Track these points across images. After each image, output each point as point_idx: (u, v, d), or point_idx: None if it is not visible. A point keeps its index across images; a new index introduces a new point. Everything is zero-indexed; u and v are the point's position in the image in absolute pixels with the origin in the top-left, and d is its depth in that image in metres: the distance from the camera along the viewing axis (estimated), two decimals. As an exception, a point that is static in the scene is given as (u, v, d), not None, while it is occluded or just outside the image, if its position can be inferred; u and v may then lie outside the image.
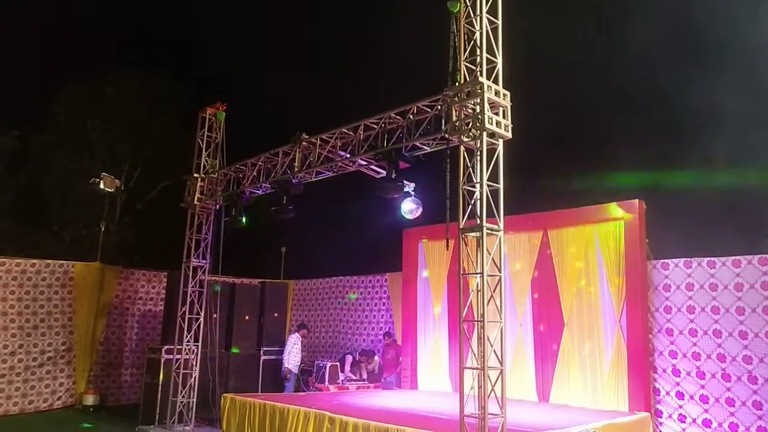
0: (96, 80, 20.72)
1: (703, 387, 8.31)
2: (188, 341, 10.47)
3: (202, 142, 10.87)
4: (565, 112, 14.73)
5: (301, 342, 11.98)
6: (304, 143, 8.82)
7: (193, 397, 10.41)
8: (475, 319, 6.15)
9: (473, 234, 6.24)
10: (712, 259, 8.47)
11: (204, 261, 10.69)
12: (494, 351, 6.06)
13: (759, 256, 8.07)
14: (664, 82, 13.63)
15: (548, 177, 14.63)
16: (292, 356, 11.67)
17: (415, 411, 8.31)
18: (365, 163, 8.38)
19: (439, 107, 7.10)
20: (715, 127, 11.96)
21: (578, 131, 14.85)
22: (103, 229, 15.11)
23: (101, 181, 13.75)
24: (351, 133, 8.27)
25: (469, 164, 6.38)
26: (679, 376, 8.53)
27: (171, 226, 14.31)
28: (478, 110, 6.29)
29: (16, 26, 20.99)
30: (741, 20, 11.47)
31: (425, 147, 7.53)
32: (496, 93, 6.43)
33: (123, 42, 22.72)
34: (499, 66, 6.54)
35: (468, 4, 6.58)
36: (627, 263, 8.99)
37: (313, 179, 9.06)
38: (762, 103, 11.10)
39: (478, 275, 6.14)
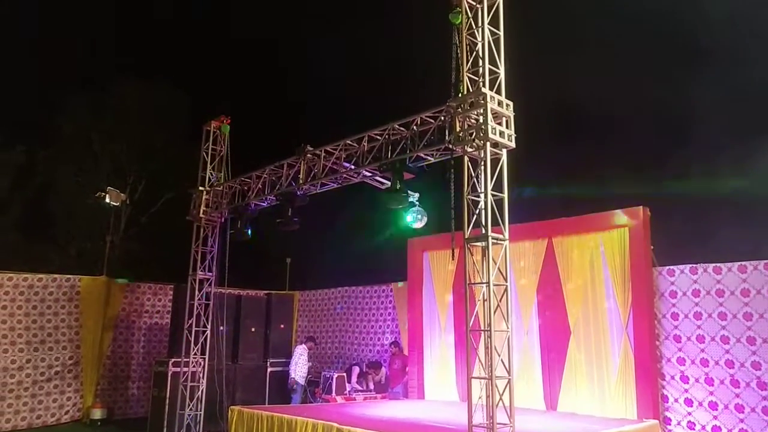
0: (99, 92, 20.93)
1: (711, 393, 8.27)
2: (195, 354, 10.49)
3: (207, 155, 10.92)
4: (567, 120, 14.77)
5: (308, 354, 11.98)
6: (308, 155, 8.86)
7: (201, 410, 10.42)
8: (482, 328, 6.16)
9: (478, 243, 6.27)
10: (718, 265, 8.46)
11: (210, 273, 10.73)
12: (501, 360, 6.06)
13: (765, 261, 8.05)
14: (665, 86, 13.68)
15: (552, 185, 14.65)
16: (299, 367, 11.66)
17: (423, 421, 8.30)
18: (370, 174, 8.41)
19: (442, 118, 7.14)
20: (720, 130, 11.98)
21: (581, 138, 14.89)
22: (108, 242, 15.19)
23: (107, 195, 13.83)
24: (355, 144, 8.31)
25: (473, 174, 6.42)
26: (688, 383, 8.50)
27: (176, 238, 14.36)
28: (481, 120, 6.34)
29: (19, 39, 21.22)
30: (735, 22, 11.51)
31: (429, 157, 7.57)
32: (499, 103, 6.47)
33: (126, 54, 22.94)
34: (502, 76, 6.59)
35: (470, 15, 6.64)
36: (632, 270, 8.98)
37: (318, 191, 9.10)
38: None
39: (484, 285, 6.16)
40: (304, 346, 12.05)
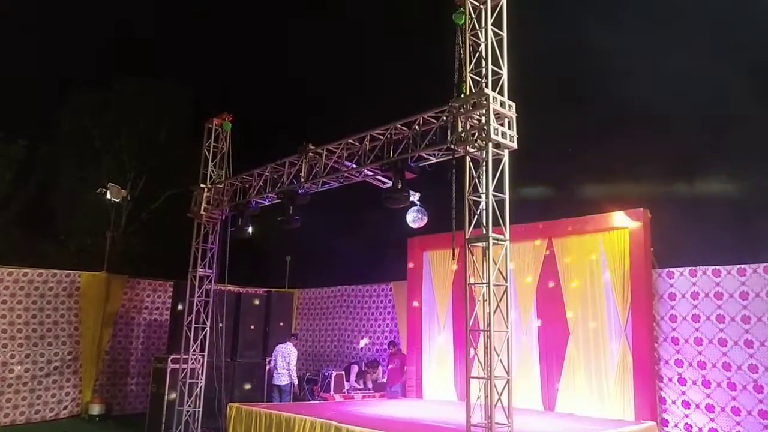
0: (101, 88, 20.93)
1: (708, 396, 8.30)
2: (194, 351, 10.50)
3: (209, 153, 10.93)
4: (570, 121, 14.77)
5: None
6: (310, 154, 8.87)
7: (199, 407, 10.42)
8: (482, 328, 6.18)
9: (479, 244, 6.28)
10: (718, 267, 8.49)
11: (210, 270, 10.74)
12: (501, 360, 6.08)
13: (764, 264, 8.09)
14: (668, 89, 13.66)
15: (553, 186, 14.66)
16: (293, 369, 11.48)
17: (421, 420, 8.32)
18: (371, 173, 8.41)
19: (444, 118, 7.14)
20: (722, 133, 11.97)
21: (583, 140, 14.88)
22: (109, 238, 15.18)
23: (108, 191, 13.84)
24: (357, 143, 8.32)
25: (474, 174, 6.43)
26: (685, 385, 8.53)
27: (177, 235, 14.38)
28: (483, 121, 6.35)
29: (20, 34, 21.23)
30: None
31: (431, 157, 7.58)
32: (502, 104, 6.48)
33: (128, 50, 22.94)
34: (505, 77, 6.60)
35: (473, 16, 6.65)
36: (632, 272, 9.02)
37: (319, 189, 9.12)
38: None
39: (484, 285, 6.18)
40: (290, 343, 11.70)
